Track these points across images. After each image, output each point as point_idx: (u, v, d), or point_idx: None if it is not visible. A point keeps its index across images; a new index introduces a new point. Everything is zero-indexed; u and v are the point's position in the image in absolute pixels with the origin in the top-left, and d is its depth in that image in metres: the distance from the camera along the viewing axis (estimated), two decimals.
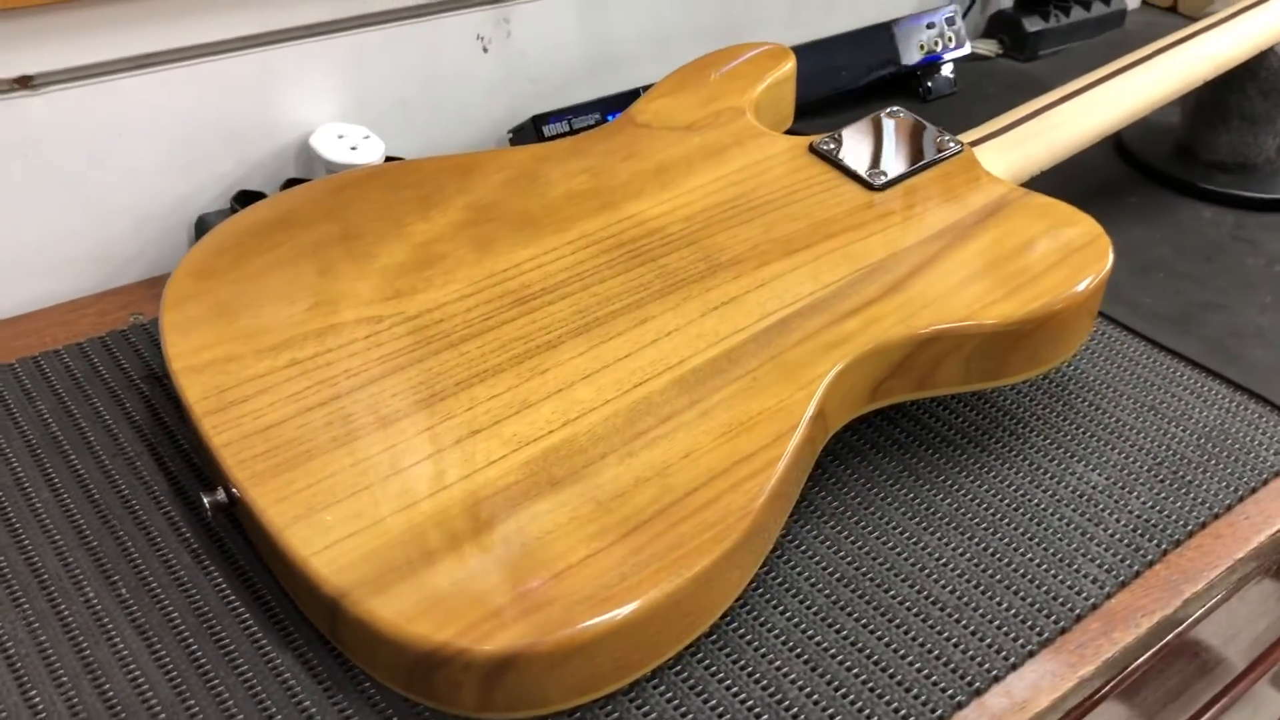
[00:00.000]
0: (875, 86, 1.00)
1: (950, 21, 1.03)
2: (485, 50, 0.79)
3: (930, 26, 1.01)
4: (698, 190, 0.62)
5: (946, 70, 1.03)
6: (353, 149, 0.71)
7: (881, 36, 0.98)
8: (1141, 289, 0.76)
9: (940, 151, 0.65)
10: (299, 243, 0.59)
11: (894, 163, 0.64)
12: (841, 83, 0.96)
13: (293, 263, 0.58)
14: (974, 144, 0.68)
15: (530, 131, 0.79)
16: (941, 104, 1.01)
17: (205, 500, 0.48)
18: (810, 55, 0.94)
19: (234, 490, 0.47)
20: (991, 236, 0.59)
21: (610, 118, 0.83)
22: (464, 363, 0.52)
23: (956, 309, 0.54)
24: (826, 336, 0.53)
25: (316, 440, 0.48)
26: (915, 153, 0.65)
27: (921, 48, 1.00)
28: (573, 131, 0.80)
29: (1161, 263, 0.79)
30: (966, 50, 1.04)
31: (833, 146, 0.65)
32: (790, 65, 0.73)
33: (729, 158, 0.65)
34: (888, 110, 0.69)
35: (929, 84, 1.01)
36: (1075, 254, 0.58)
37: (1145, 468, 0.59)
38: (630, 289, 0.56)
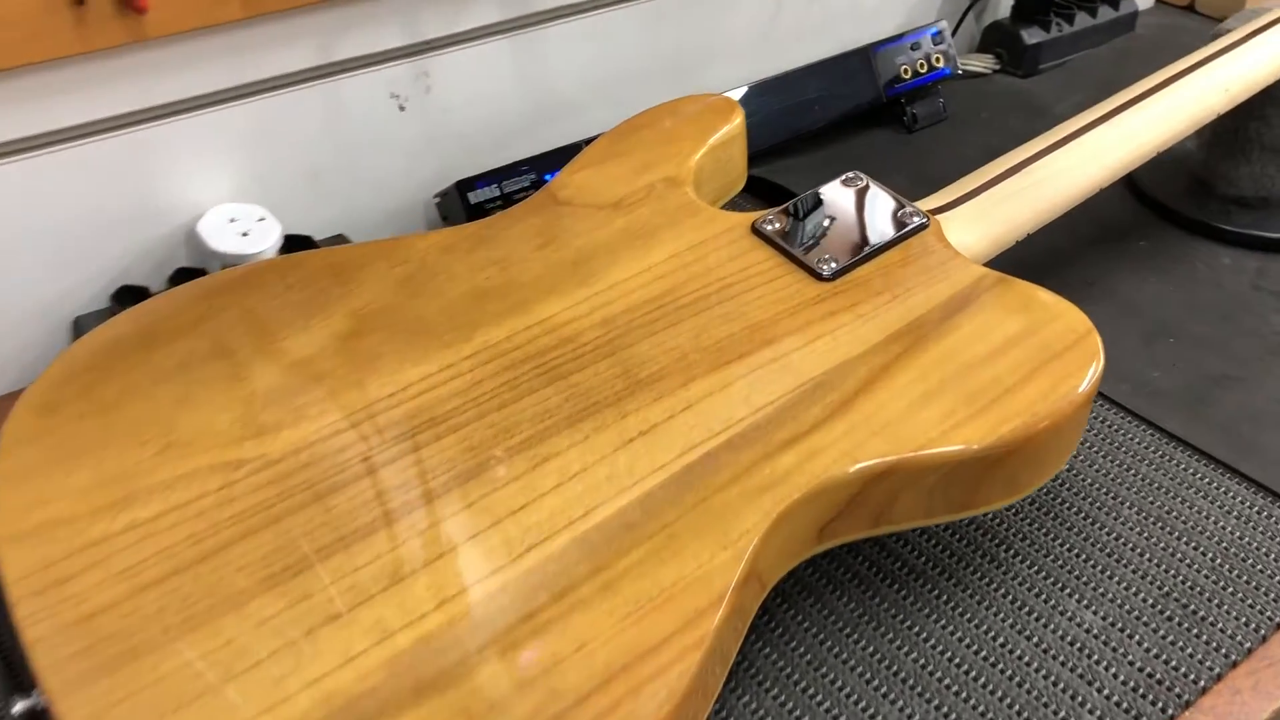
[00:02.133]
0: (852, 120, 0.92)
1: (937, 39, 0.94)
2: (402, 109, 0.72)
3: (915, 48, 0.93)
4: (621, 286, 0.55)
5: (934, 95, 0.95)
6: (244, 235, 0.64)
7: (858, 64, 0.90)
8: (1148, 360, 0.67)
9: (901, 228, 0.57)
10: (159, 365, 0.52)
11: (846, 245, 0.56)
12: (812, 121, 0.88)
13: (149, 391, 0.51)
14: (940, 211, 0.60)
15: (455, 199, 0.72)
16: (928, 134, 0.93)
17: (16, 707, 0.41)
18: (776, 91, 0.86)
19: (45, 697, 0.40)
20: (957, 338, 0.51)
21: (548, 178, 0.75)
22: (328, 521, 0.45)
23: (912, 435, 0.47)
24: (759, 476, 0.46)
25: (146, 633, 0.41)
26: (871, 231, 0.57)
27: (905, 72, 0.92)
28: (503, 196, 0.73)
29: (1172, 324, 0.71)
30: (956, 70, 0.96)
31: (777, 226, 0.57)
32: (738, 121, 0.65)
33: (659, 243, 0.57)
34: (843, 177, 0.61)
35: (914, 112, 0.93)
36: (1058, 358, 0.50)
37: (1149, 601, 0.52)
38: (534, 417, 0.48)
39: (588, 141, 0.76)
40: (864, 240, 0.56)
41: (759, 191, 0.84)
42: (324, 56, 0.67)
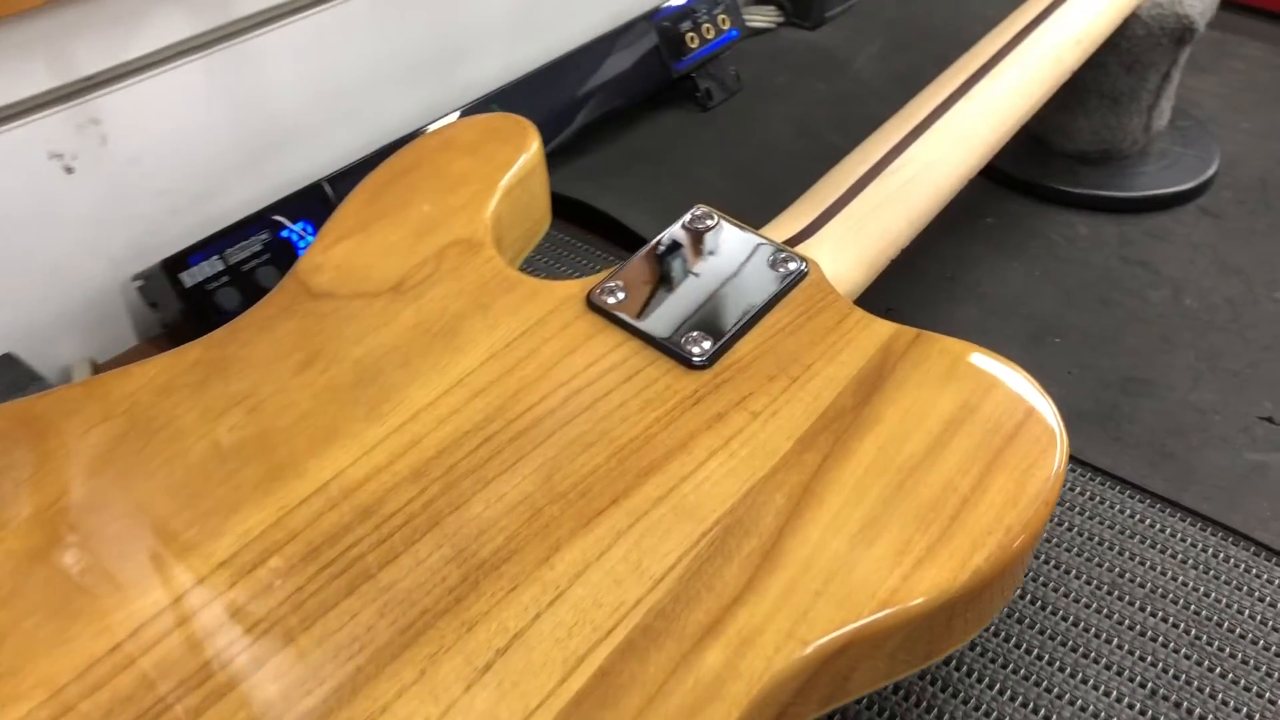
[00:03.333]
0: (640, 104, 0.79)
1: (716, 1, 0.82)
2: (70, 170, 0.53)
3: (697, 10, 0.80)
4: (428, 414, 0.40)
5: (725, 64, 0.83)
6: None
7: (638, 37, 0.77)
8: (1040, 371, 0.58)
9: (782, 281, 0.45)
10: None
11: (714, 314, 0.43)
12: (595, 111, 0.74)
13: None
14: (799, 240, 0.48)
15: (163, 283, 0.54)
16: (727, 110, 0.81)
17: None
18: (549, 81, 0.72)
19: None
20: (885, 432, 0.39)
21: (289, 234, 0.58)
22: None
23: (866, 589, 0.35)
24: (679, 695, 0.33)
25: None
26: (742, 289, 0.44)
27: (692, 40, 0.80)
28: (231, 271, 0.56)
29: (1052, 319, 0.62)
30: (744, 31, 0.84)
31: (620, 298, 0.44)
32: (535, 147, 0.51)
33: (469, 340, 0.43)
34: (689, 217, 0.48)
35: (707, 87, 0.81)
36: (1011, 441, 0.39)
37: (1135, 706, 0.43)
38: (335, 653, 0.33)
39: (334, 179, 0.60)
40: (736, 303, 0.44)
41: (556, 209, 0.70)
42: None
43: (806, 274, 0.45)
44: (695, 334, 0.42)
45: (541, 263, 0.66)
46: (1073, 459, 0.53)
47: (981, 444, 0.39)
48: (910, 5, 0.97)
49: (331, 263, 0.46)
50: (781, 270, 0.45)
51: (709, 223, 0.47)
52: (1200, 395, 0.57)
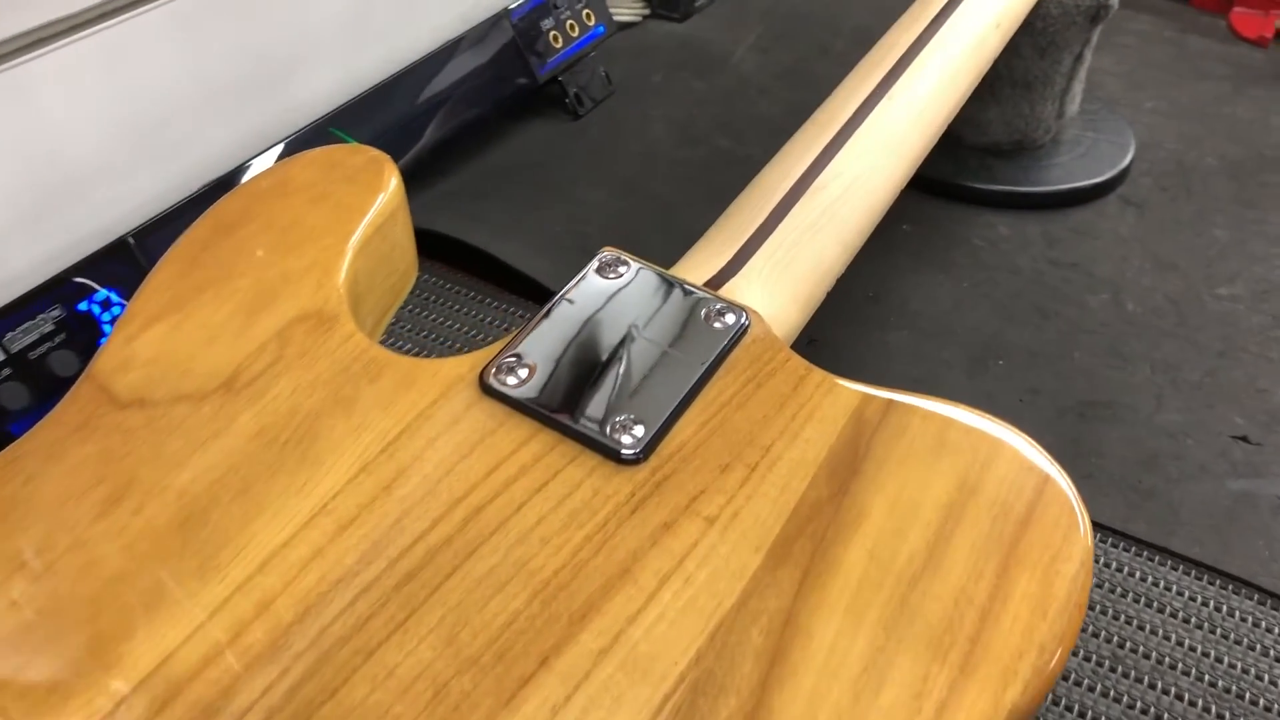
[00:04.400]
0: (503, 114, 0.70)
1: None
2: None
3: (556, 7, 0.72)
4: (279, 562, 0.31)
5: (594, 64, 0.74)
6: None
7: (497, 39, 0.68)
8: (990, 401, 0.52)
9: (722, 340, 0.36)
10: None
11: (646, 390, 0.35)
12: (446, 127, 0.65)
13: None
14: (723, 281, 0.40)
15: None
16: (600, 117, 0.73)
17: None
18: (397, 93, 0.62)
19: None
20: (873, 533, 0.31)
21: (89, 307, 0.48)
22: None
23: None
24: None
25: None
26: (676, 356, 0.36)
27: (556, 39, 0.71)
28: (12, 361, 0.45)
29: (990, 338, 0.56)
30: (611, 26, 0.76)
31: (523, 375, 0.35)
32: (394, 184, 0.42)
33: (330, 448, 0.33)
34: (595, 264, 0.39)
35: (576, 92, 0.72)
36: (1027, 528, 0.32)
37: None
38: None
39: (142, 233, 0.49)
40: (669, 374, 0.35)
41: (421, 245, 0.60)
42: None
43: (748, 328, 0.37)
44: (623, 418, 0.34)
45: (406, 313, 0.57)
46: None
47: (991, 535, 0.31)
48: None
49: (140, 357, 0.36)
50: (719, 325, 0.37)
51: (622, 270, 0.39)
52: (1166, 416, 0.51)
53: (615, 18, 0.83)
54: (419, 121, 0.63)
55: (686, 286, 0.38)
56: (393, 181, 0.42)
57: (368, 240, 0.40)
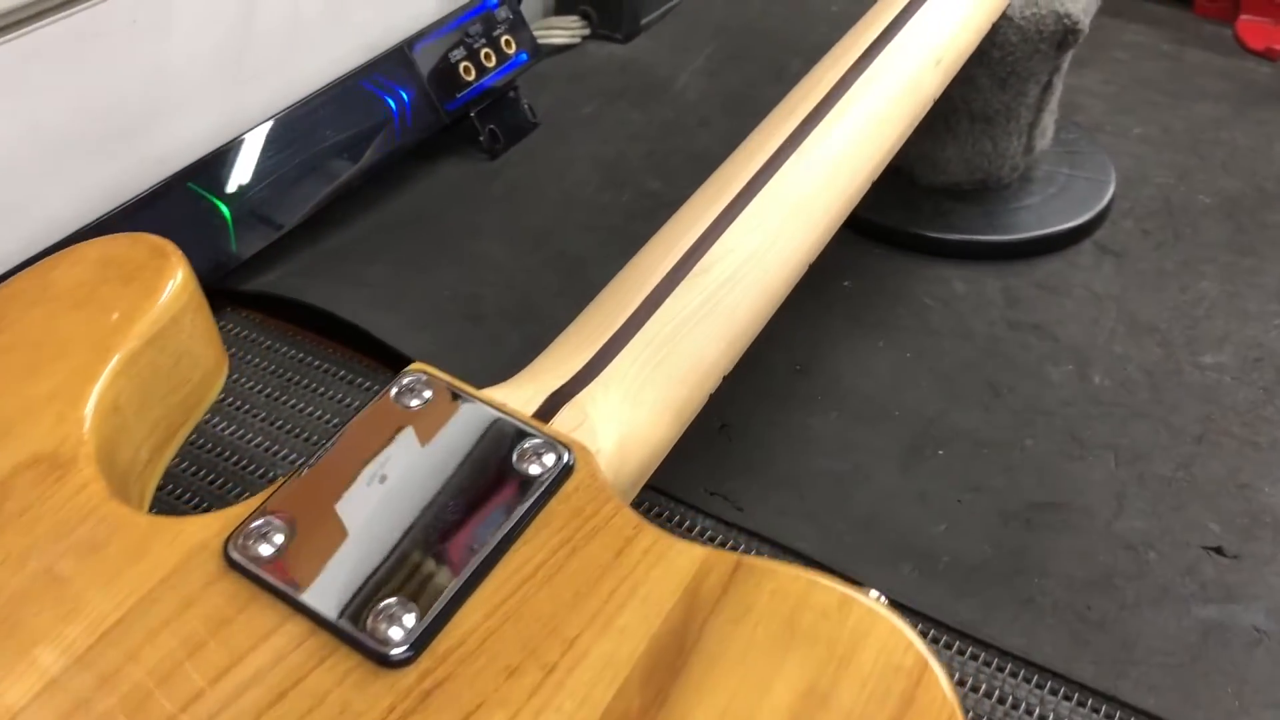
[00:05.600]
0: (408, 157, 0.63)
1: (501, 13, 0.67)
2: None
3: (472, 32, 0.65)
4: None
5: (515, 96, 0.68)
6: None
7: (395, 73, 0.62)
8: (920, 500, 0.45)
9: (535, 489, 0.30)
10: None
11: (424, 566, 0.28)
12: (342, 176, 0.59)
13: None
14: (563, 400, 0.34)
15: None
16: (520, 155, 0.66)
17: None
18: (276, 141, 0.56)
19: None
20: None
21: None
22: None
23: None
24: None
25: None
26: (472, 514, 0.30)
27: (467, 71, 0.65)
28: None
29: (932, 420, 0.49)
30: (535, 53, 0.69)
31: (279, 544, 0.29)
32: (177, 284, 0.35)
33: (33, 640, 0.27)
34: (395, 389, 0.33)
35: (492, 128, 0.66)
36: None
37: None
38: None
39: None
40: (458, 541, 0.29)
41: (283, 312, 0.54)
42: None
43: (572, 470, 0.31)
44: (391, 604, 0.27)
45: (262, 397, 0.51)
46: (972, 641, 0.40)
47: None
48: (739, 3, 0.84)
49: None
50: (534, 470, 0.30)
51: (426, 395, 0.32)
52: (1128, 522, 0.44)
53: (550, 40, 0.76)
54: (301, 171, 0.57)
55: (503, 417, 0.32)
56: (177, 279, 0.35)
57: (135, 355, 0.34)
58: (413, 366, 0.33)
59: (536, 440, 0.31)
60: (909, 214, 0.60)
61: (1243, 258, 0.59)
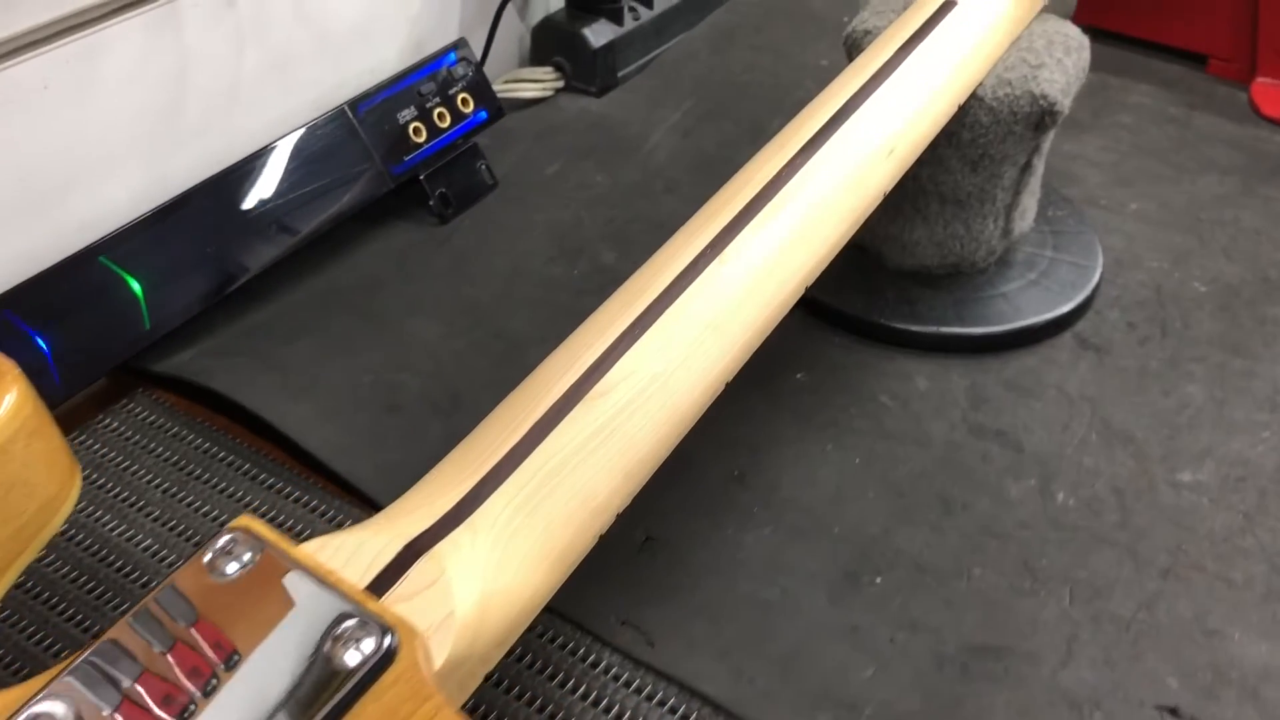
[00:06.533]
0: (353, 222, 0.61)
1: (458, 69, 0.64)
2: None
3: (426, 90, 0.62)
4: None
5: (470, 157, 0.65)
6: None
7: (337, 136, 0.59)
8: (851, 633, 0.42)
9: (344, 684, 0.26)
10: None
11: None
12: (271, 243, 0.56)
13: None
14: (433, 538, 0.31)
15: None
16: (473, 221, 0.63)
17: None
18: (202, 210, 0.54)
19: None
20: None
21: None
22: None
23: None
24: None
25: None
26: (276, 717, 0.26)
27: (417, 132, 0.62)
28: None
29: (874, 541, 0.45)
30: (496, 111, 0.66)
31: None
32: (10, 402, 0.33)
33: None
34: (209, 555, 0.29)
35: (443, 192, 0.63)
36: None
37: None
38: None
39: None
40: None
41: (200, 397, 0.52)
42: None
43: (394, 657, 0.27)
44: None
45: (157, 493, 0.48)
46: None
47: None
48: (723, 54, 0.80)
49: None
50: (348, 659, 0.27)
51: (244, 559, 0.29)
52: (1075, 673, 0.40)
53: (520, 94, 0.73)
54: (224, 244, 0.54)
55: (323, 591, 0.29)
56: (4, 404, 0.33)
57: None
58: (236, 523, 0.30)
59: (354, 619, 0.28)
60: (873, 300, 0.56)
61: (1234, 357, 0.54)
